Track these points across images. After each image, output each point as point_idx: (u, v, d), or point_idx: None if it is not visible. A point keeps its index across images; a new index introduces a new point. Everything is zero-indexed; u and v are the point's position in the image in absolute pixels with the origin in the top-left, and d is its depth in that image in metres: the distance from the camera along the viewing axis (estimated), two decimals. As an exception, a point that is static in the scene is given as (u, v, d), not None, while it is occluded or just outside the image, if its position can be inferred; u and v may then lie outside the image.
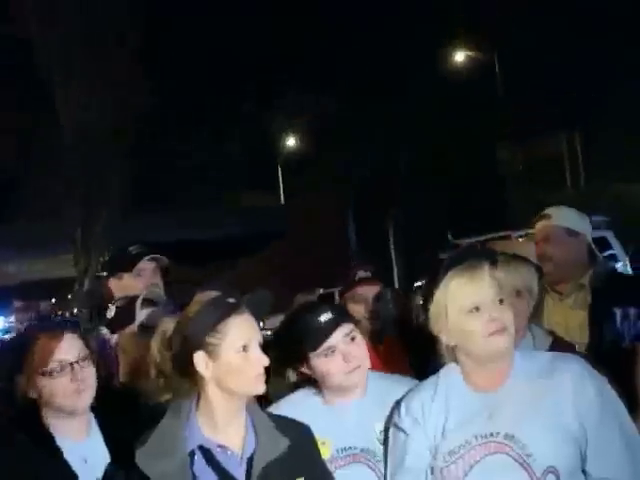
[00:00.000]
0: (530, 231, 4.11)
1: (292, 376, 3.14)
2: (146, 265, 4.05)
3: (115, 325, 3.46)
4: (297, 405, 2.67)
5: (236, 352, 2.35)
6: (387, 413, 2.62)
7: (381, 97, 24.85)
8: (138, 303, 3.37)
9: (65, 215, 20.85)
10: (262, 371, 2.38)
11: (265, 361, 2.38)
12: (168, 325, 2.45)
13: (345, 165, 25.14)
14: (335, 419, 2.63)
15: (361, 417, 2.66)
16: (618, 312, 3.48)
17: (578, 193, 23.54)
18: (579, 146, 25.75)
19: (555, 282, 3.58)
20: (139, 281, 3.92)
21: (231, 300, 2.40)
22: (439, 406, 2.48)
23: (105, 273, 4.33)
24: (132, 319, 3.36)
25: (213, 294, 2.43)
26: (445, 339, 2.47)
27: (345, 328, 2.66)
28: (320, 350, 2.63)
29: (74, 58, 20.17)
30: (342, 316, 2.69)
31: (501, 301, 2.43)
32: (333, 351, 2.63)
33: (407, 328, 3.85)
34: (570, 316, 3.47)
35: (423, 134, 24.60)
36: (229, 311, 2.37)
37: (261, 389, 2.38)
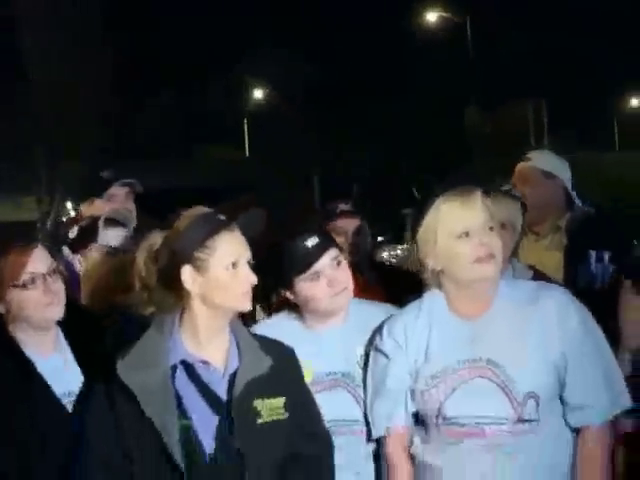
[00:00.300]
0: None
1: (259, 314, 3.15)
2: (118, 190, 4.02)
3: (77, 244, 3.40)
4: (277, 328, 2.66)
5: (225, 268, 2.34)
6: (368, 338, 2.63)
7: (347, 63, 24.81)
8: (101, 222, 3.32)
9: (30, 157, 20.58)
10: (250, 289, 2.37)
11: (253, 279, 2.37)
12: (155, 238, 2.43)
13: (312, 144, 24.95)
14: (316, 343, 2.63)
15: (342, 342, 2.66)
16: (593, 255, 3.57)
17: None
18: (545, 113, 25.92)
19: (530, 223, 3.63)
20: (110, 206, 3.88)
21: (221, 217, 2.40)
22: (422, 330, 2.50)
23: (65, 218, 4.30)
24: (94, 238, 3.31)
25: (203, 210, 2.42)
26: (432, 264, 2.48)
27: (332, 252, 2.66)
28: (306, 274, 2.62)
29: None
30: (328, 241, 2.69)
31: (491, 229, 2.45)
32: (319, 276, 2.63)
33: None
34: (545, 257, 3.53)
35: (394, 101, 24.61)
36: (219, 227, 2.36)
37: (248, 306, 2.38)
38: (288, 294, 2.69)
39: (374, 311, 2.70)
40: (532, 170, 3.81)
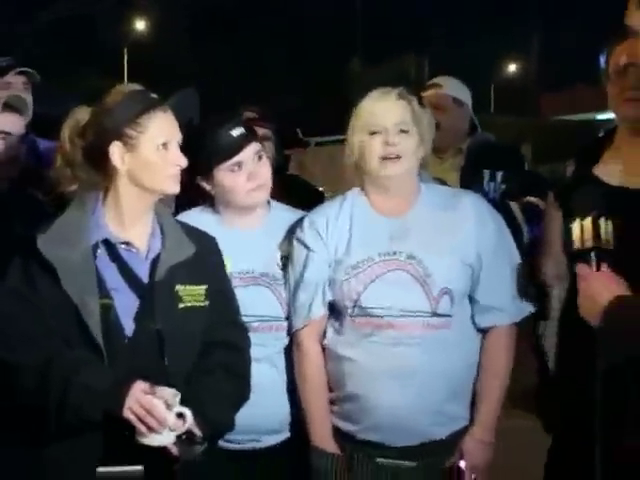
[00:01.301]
0: None
1: None
2: (15, 78, 3.87)
3: None
4: (194, 222, 2.55)
5: (155, 148, 2.30)
6: (287, 241, 2.63)
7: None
8: None
9: None
10: (178, 172, 2.34)
11: (183, 162, 2.34)
12: (81, 113, 2.36)
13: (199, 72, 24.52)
14: (234, 242, 2.58)
15: (261, 242, 2.65)
16: (486, 173, 3.78)
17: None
18: (427, 68, 26.35)
19: (439, 147, 3.74)
20: (5, 95, 3.73)
21: (154, 95, 2.35)
22: (343, 223, 2.54)
23: None
24: None
25: (135, 86, 2.37)
26: (348, 155, 2.55)
27: (255, 146, 2.64)
28: (228, 164, 2.59)
29: None
30: (253, 134, 2.67)
31: (403, 131, 2.51)
32: (240, 167, 2.60)
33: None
34: (447, 177, 3.65)
35: (281, 43, 24.53)
36: (152, 105, 2.31)
37: (175, 189, 2.35)
38: (205, 184, 2.65)
39: (295, 216, 2.69)
40: (444, 97, 3.95)
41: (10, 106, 3.09)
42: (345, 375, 2.49)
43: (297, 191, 3.59)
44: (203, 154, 2.57)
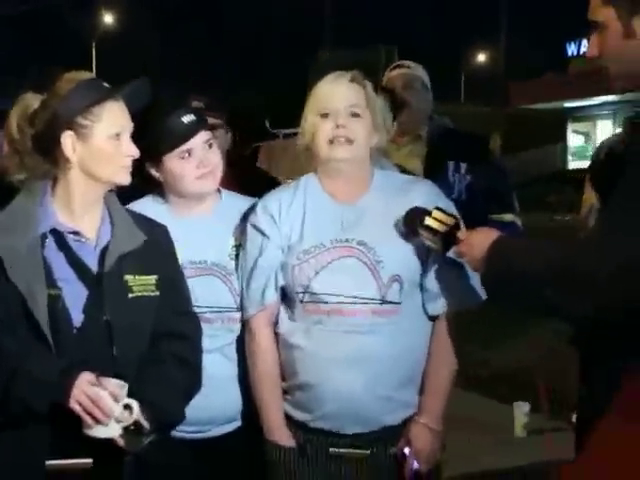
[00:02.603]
0: None
1: None
2: None
3: None
4: (145, 210, 2.54)
5: (108, 138, 2.28)
6: (239, 230, 2.62)
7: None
8: None
9: None
10: (130, 162, 2.33)
11: (136, 152, 2.32)
12: (30, 100, 2.32)
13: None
14: (184, 231, 2.56)
15: (212, 231, 2.63)
16: (451, 165, 3.70)
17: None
18: (396, 58, 26.45)
19: (404, 131, 3.69)
20: None
21: (107, 85, 2.32)
22: (297, 208, 2.53)
23: None
24: None
25: (87, 74, 2.34)
26: (301, 140, 2.53)
27: (205, 134, 2.62)
28: (177, 151, 2.57)
29: None
30: (204, 121, 2.64)
31: (356, 115, 2.50)
32: (190, 154, 2.58)
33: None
34: (406, 163, 3.59)
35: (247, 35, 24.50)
36: (106, 95, 2.28)
37: (127, 180, 2.33)
38: (154, 171, 2.63)
39: (246, 204, 2.67)
40: (415, 78, 3.85)
41: None
42: (296, 363, 2.48)
43: (257, 183, 3.57)
44: (153, 141, 2.54)
